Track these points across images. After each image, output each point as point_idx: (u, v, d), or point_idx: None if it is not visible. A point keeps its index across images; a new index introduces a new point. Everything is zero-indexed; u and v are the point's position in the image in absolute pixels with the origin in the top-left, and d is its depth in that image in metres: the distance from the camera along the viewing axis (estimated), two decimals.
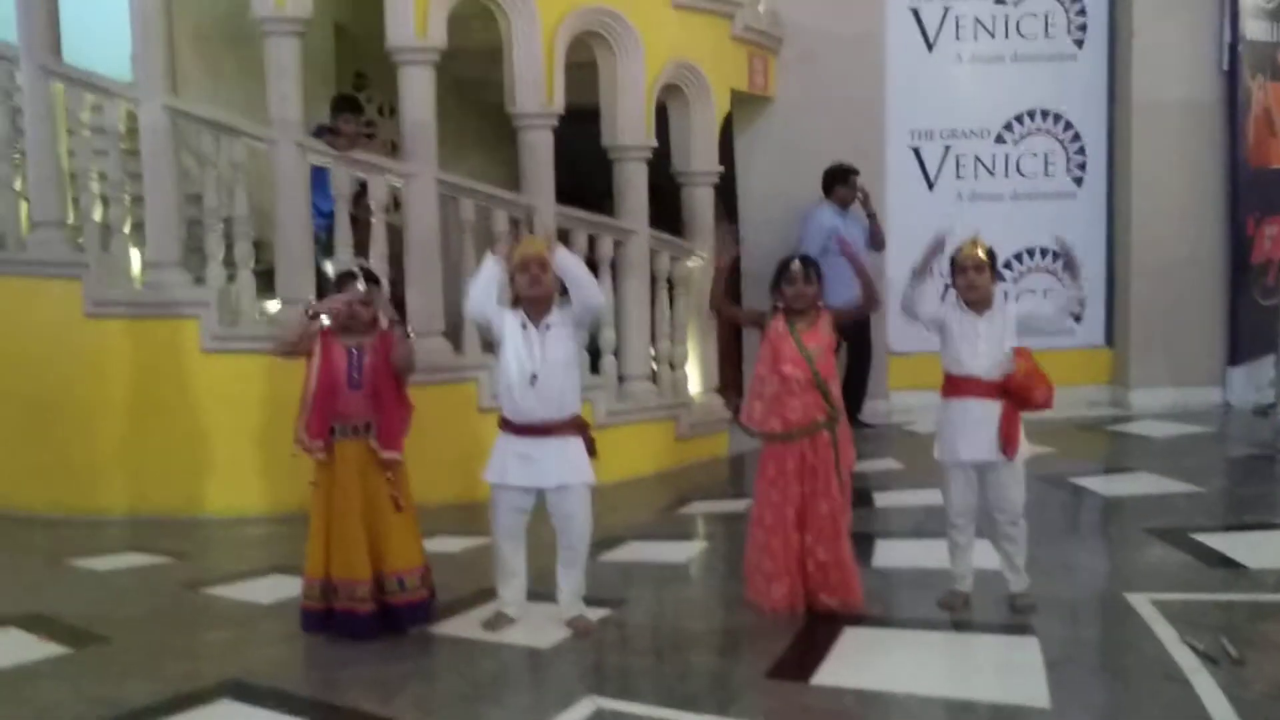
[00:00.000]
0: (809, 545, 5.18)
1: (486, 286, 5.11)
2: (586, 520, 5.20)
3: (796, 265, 5.25)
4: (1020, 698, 4.23)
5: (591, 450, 5.21)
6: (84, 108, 8.11)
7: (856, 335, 9.70)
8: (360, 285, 5.08)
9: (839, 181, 10.24)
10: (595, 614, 5.35)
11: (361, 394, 5.05)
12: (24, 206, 8.41)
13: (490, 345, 6.20)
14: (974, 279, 5.13)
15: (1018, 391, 5.05)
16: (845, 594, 5.19)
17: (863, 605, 5.20)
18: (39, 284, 8.12)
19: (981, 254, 5.14)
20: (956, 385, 5.19)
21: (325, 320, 5.08)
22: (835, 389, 5.26)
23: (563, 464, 5.10)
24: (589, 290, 5.14)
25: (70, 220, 8.37)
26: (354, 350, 5.05)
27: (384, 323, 5.14)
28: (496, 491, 5.16)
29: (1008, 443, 5.06)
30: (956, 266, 5.19)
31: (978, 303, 5.16)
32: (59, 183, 8.26)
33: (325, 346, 5.06)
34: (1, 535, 7.71)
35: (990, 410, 5.08)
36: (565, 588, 5.24)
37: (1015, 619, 5.06)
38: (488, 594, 5.43)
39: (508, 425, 5.14)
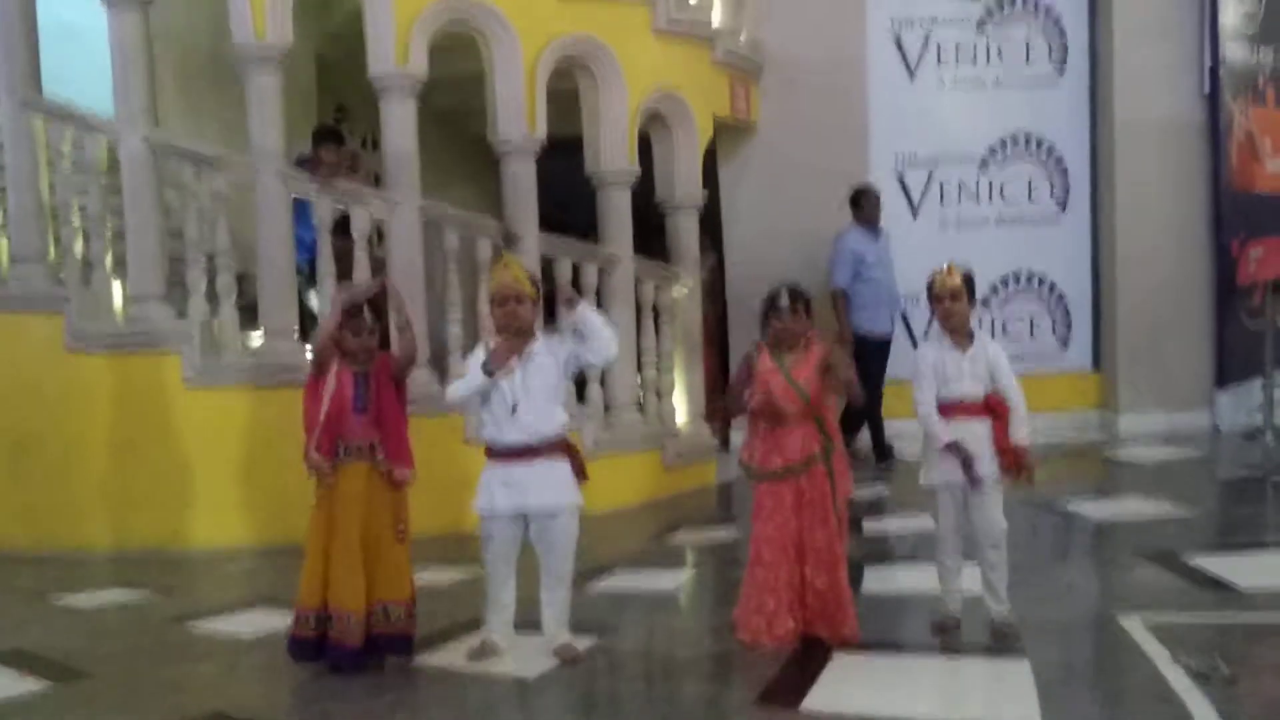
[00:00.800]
0: (808, 577, 5.11)
1: (469, 394, 5.12)
2: (571, 544, 5.13)
3: (784, 300, 5.12)
4: (1012, 719, 4.19)
5: (581, 473, 5.17)
6: (65, 141, 8.08)
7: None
8: (368, 316, 5.05)
9: (857, 202, 10.19)
10: (583, 642, 5.29)
11: (366, 418, 5.03)
12: (3, 242, 8.36)
13: None
14: (950, 307, 5.10)
15: (1000, 408, 5.08)
16: (841, 625, 5.08)
17: (859, 637, 5.07)
18: (20, 319, 8.08)
19: (957, 281, 5.10)
20: (946, 410, 5.14)
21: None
22: (831, 418, 5.20)
23: (548, 487, 5.04)
24: (607, 344, 5.10)
25: (51, 255, 8.33)
26: (359, 375, 5.04)
27: (397, 308, 5.18)
28: (486, 523, 5.10)
29: (1008, 461, 5.06)
30: (933, 295, 5.15)
31: (957, 332, 5.14)
32: (40, 217, 8.22)
33: (338, 379, 5.04)
34: None
35: (977, 430, 5.07)
36: (550, 615, 5.16)
37: (1003, 644, 5.01)
38: (473, 625, 5.36)
39: (492, 453, 5.09)
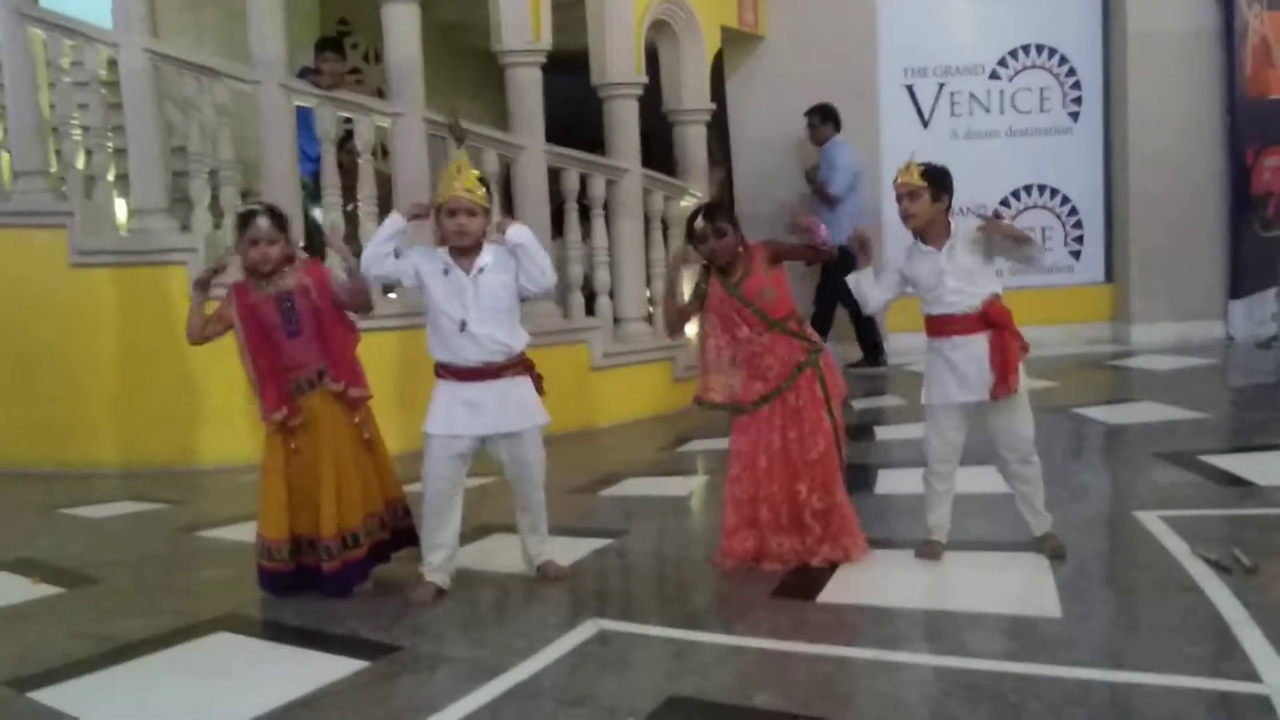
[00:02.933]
0: (802, 496, 4.80)
1: (381, 248, 4.73)
2: (541, 465, 4.86)
3: (700, 224, 4.77)
4: (1030, 609, 4.15)
5: (539, 389, 4.85)
6: (64, 54, 7.96)
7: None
8: (263, 221, 4.65)
9: (836, 117, 10.15)
10: (594, 545, 5.27)
11: (302, 340, 4.71)
12: (5, 157, 8.26)
13: None
14: (907, 207, 4.70)
15: (999, 317, 4.69)
16: (850, 546, 4.82)
17: (867, 552, 4.86)
18: (22, 234, 8.01)
19: (913, 178, 4.68)
20: (937, 325, 4.79)
21: (225, 281, 4.81)
22: (803, 321, 4.93)
23: (513, 407, 4.74)
24: (541, 271, 4.74)
25: (53, 170, 8.23)
26: (280, 295, 4.67)
27: (301, 256, 4.77)
28: (435, 441, 4.73)
29: (1003, 375, 4.66)
30: (896, 195, 4.77)
31: (926, 233, 4.74)
32: (40, 131, 8.12)
33: (244, 304, 4.70)
34: None
35: (980, 345, 4.70)
36: (532, 540, 4.94)
37: (1021, 539, 4.94)
38: (491, 528, 5.33)
39: (446, 371, 4.74)
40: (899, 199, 4.73)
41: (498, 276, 4.69)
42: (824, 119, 10.32)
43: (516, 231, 4.71)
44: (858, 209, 10.00)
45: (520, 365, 4.78)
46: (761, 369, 4.83)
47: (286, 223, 4.78)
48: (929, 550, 4.88)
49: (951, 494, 4.93)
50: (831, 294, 9.86)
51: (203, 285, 4.81)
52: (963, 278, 4.69)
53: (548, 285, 4.86)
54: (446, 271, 4.66)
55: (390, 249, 4.72)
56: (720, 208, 4.91)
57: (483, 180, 4.69)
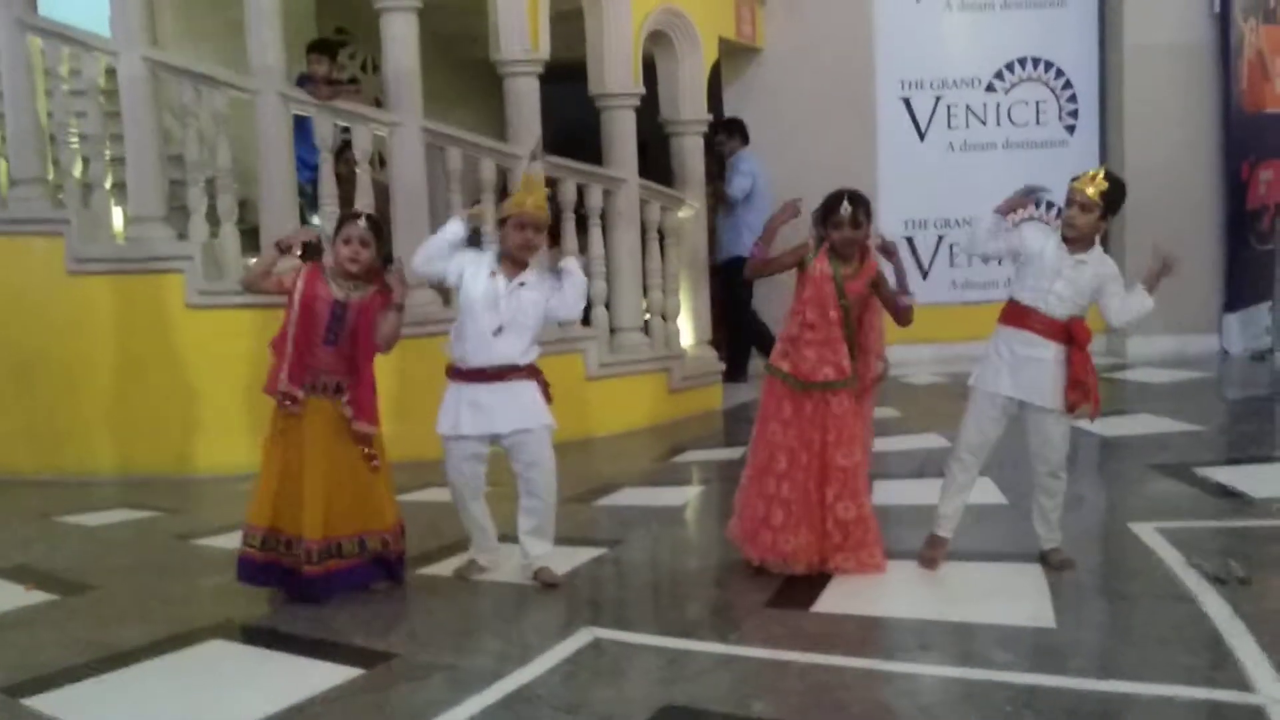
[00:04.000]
0: (828, 501, 4.76)
1: (442, 250, 4.90)
2: (551, 467, 4.93)
3: (846, 209, 4.72)
4: (1025, 619, 4.17)
5: (547, 395, 4.96)
6: (62, 62, 7.97)
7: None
8: (362, 223, 4.75)
9: (744, 131, 10.44)
10: (589, 554, 5.28)
11: (334, 351, 4.75)
12: (2, 164, 8.27)
13: None
14: (1075, 215, 4.62)
15: (1082, 335, 4.69)
16: (868, 558, 4.80)
17: (885, 568, 4.82)
18: (20, 242, 8.00)
19: (1091, 193, 4.59)
20: (1020, 314, 4.74)
21: (295, 257, 4.80)
22: (869, 342, 4.93)
23: (518, 408, 4.86)
24: (577, 299, 5.02)
25: (51, 177, 8.23)
26: (338, 303, 4.73)
27: (394, 287, 4.80)
28: (449, 444, 4.91)
29: (1078, 396, 4.67)
30: (1068, 196, 4.67)
31: (1076, 241, 4.68)
32: (38, 139, 8.13)
33: (310, 289, 4.73)
34: None
35: (1050, 351, 4.69)
36: (530, 539, 4.96)
37: (1017, 549, 4.94)
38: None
39: (458, 373, 4.89)
40: (1069, 203, 4.64)
41: (533, 294, 4.87)
42: (730, 134, 10.43)
43: (571, 261, 5.02)
44: (758, 221, 9.98)
45: (526, 370, 4.89)
46: (836, 356, 4.80)
47: (381, 233, 4.86)
48: (930, 551, 4.88)
49: (969, 488, 4.92)
50: (736, 304, 10.14)
51: (285, 248, 4.81)
52: (1073, 291, 4.68)
53: (576, 315, 5.22)
54: (493, 275, 4.84)
55: (448, 252, 4.89)
56: (865, 200, 4.81)
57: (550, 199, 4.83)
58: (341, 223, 4.87)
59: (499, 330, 4.80)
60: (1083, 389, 4.68)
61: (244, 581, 4.83)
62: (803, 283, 4.86)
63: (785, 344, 4.92)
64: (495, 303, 4.81)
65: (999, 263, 5.18)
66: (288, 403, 4.73)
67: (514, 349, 4.84)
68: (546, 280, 4.96)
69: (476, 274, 4.86)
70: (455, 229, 4.92)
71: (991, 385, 4.80)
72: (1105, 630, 4.13)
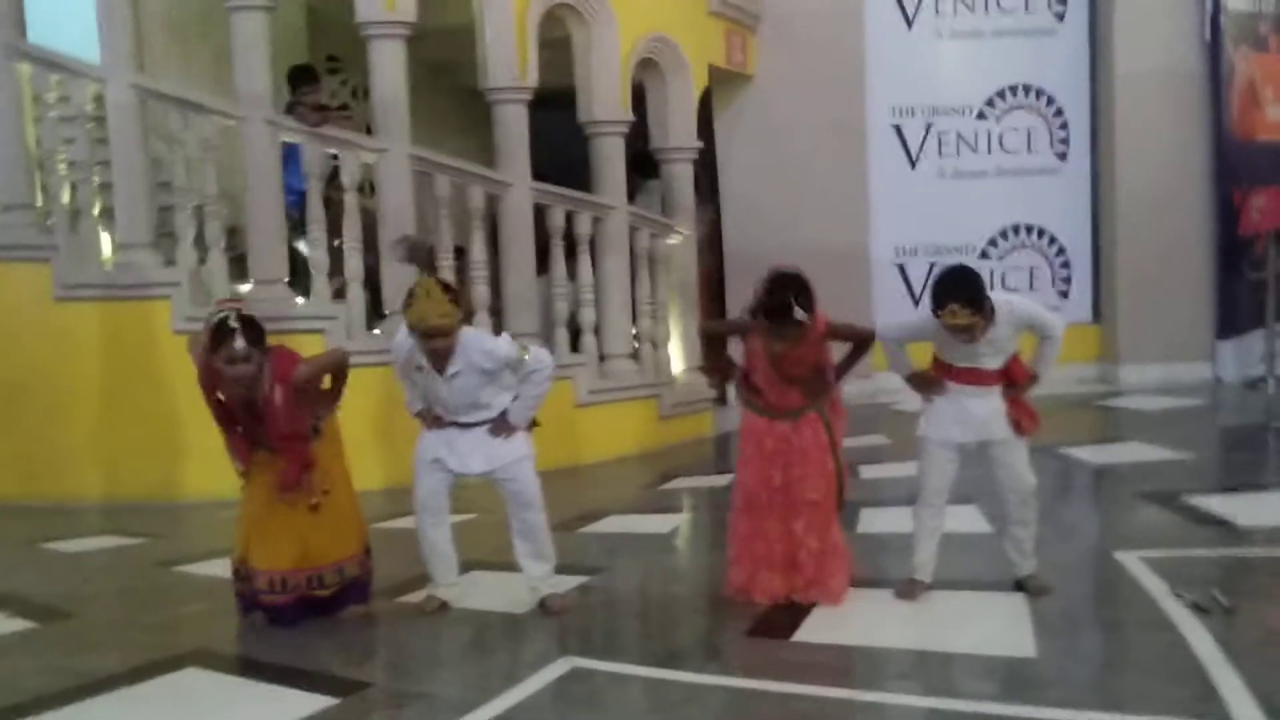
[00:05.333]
0: (799, 534, 4.75)
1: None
2: (536, 489, 4.90)
3: (784, 311, 4.47)
4: (1006, 649, 4.12)
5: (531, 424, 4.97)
6: (51, 88, 7.98)
7: None
8: (239, 343, 4.49)
9: None
10: (574, 581, 5.24)
11: (263, 428, 4.71)
12: None
13: None
14: (966, 339, 4.52)
15: (1021, 376, 4.71)
16: (836, 588, 4.76)
17: (842, 599, 4.76)
18: (7, 268, 8.01)
19: (962, 322, 4.43)
20: (954, 373, 4.72)
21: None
22: (821, 375, 4.78)
23: (495, 447, 4.84)
24: (522, 416, 4.89)
25: (39, 204, 8.22)
26: (243, 400, 4.66)
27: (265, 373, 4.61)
28: (422, 466, 4.90)
29: (1021, 420, 4.71)
30: (945, 329, 4.53)
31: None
32: (26, 165, 8.13)
33: (210, 375, 4.67)
34: None
35: (992, 394, 4.71)
36: (529, 563, 4.95)
37: (1000, 578, 4.91)
38: (470, 565, 5.29)
39: (436, 420, 4.91)
40: (954, 333, 4.50)
41: (469, 379, 4.74)
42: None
43: (539, 358, 4.90)
44: None
45: (506, 425, 4.86)
46: (767, 396, 4.80)
47: (260, 331, 4.62)
48: (909, 590, 4.83)
49: (939, 532, 4.88)
50: None
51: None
52: (997, 349, 4.67)
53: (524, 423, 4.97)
54: (420, 369, 4.75)
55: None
56: (805, 288, 4.52)
57: (448, 289, 4.65)
58: (216, 335, 4.52)
59: (455, 411, 4.81)
60: (1030, 413, 4.74)
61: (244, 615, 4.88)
62: (745, 352, 4.86)
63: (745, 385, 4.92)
64: (436, 389, 4.78)
65: None
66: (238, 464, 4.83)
67: (479, 414, 4.83)
68: (475, 362, 4.73)
69: (412, 362, 4.77)
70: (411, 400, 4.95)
71: (943, 434, 4.79)
72: (1087, 660, 4.09)
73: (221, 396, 4.76)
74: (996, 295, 4.59)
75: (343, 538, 4.88)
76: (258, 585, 4.75)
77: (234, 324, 4.51)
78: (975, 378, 4.71)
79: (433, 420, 4.90)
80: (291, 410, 4.68)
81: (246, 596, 4.85)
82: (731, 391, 5.20)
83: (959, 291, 4.43)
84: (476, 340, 4.76)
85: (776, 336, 4.59)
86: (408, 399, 4.97)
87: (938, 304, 4.46)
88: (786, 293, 4.48)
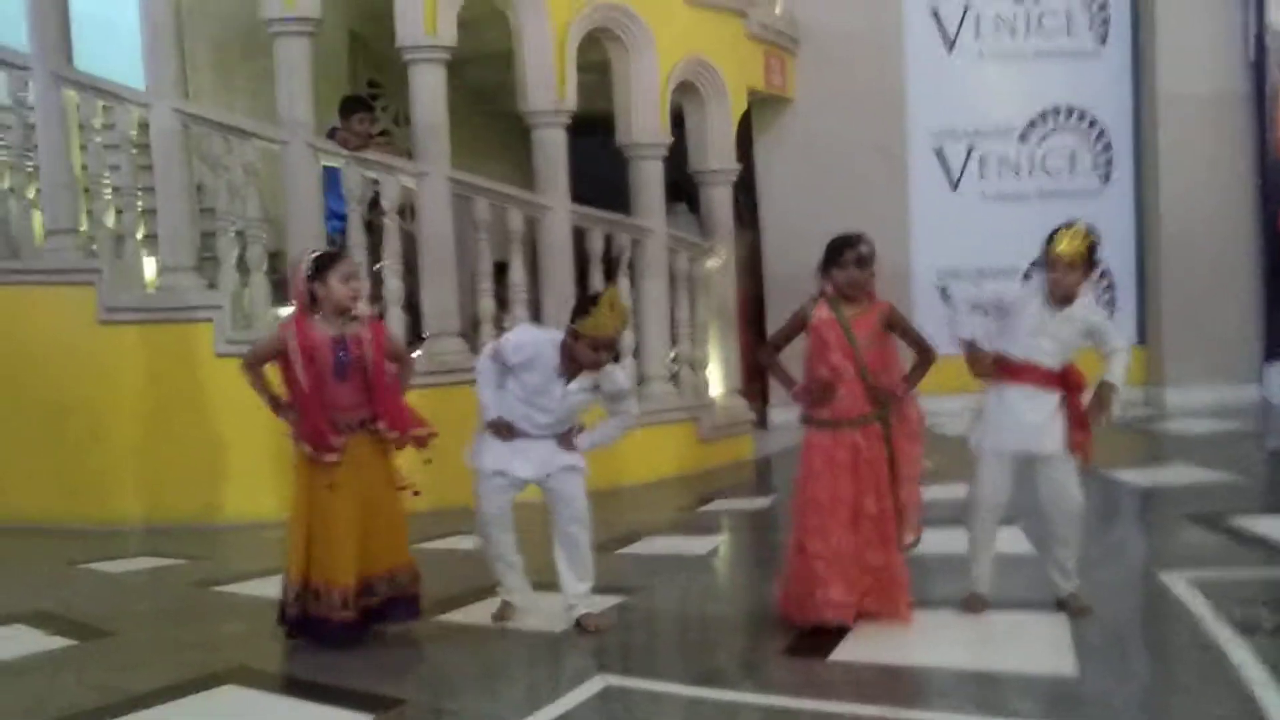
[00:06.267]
0: (865, 548, 4.67)
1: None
2: (584, 501, 4.95)
3: (850, 252, 4.63)
4: (1047, 668, 4.08)
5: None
6: (96, 114, 8.07)
7: None
8: (356, 260, 4.78)
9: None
10: (611, 601, 5.22)
11: (349, 387, 4.73)
12: (37, 215, 8.36)
13: None
14: (1062, 278, 4.56)
15: (1076, 380, 4.68)
16: (893, 603, 4.70)
17: (910, 619, 4.69)
18: (52, 291, 8.06)
19: (1081, 250, 4.51)
20: (1013, 370, 4.70)
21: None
22: (889, 379, 4.68)
23: (554, 452, 4.90)
24: (605, 441, 5.08)
25: (83, 228, 8.31)
26: (337, 339, 4.69)
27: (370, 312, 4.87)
28: (485, 478, 4.94)
29: (1081, 434, 4.66)
30: (1049, 260, 4.58)
31: (1062, 300, 4.65)
32: (72, 190, 8.21)
33: (305, 338, 4.66)
34: (15, 544, 7.60)
35: (1047, 399, 4.68)
36: (569, 579, 4.94)
37: (1040, 597, 4.85)
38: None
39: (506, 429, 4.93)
40: (1051, 267, 4.57)
41: (585, 394, 4.87)
42: None
43: (627, 405, 5.07)
44: None
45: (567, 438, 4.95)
46: (856, 397, 4.66)
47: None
48: (973, 604, 4.82)
49: (993, 545, 4.87)
50: None
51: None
52: (1059, 345, 4.67)
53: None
54: (554, 373, 4.79)
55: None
56: (869, 241, 4.70)
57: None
58: (329, 262, 4.75)
59: (548, 424, 4.86)
60: (1086, 429, 4.67)
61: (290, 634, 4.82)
62: (809, 335, 4.76)
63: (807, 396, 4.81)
64: (552, 401, 4.83)
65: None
66: (328, 454, 4.69)
67: (557, 428, 4.90)
68: (603, 384, 4.89)
69: (541, 367, 4.80)
70: (488, 410, 4.94)
71: (996, 443, 4.77)
72: (1130, 680, 4.02)
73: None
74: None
75: (396, 545, 4.88)
76: (331, 602, 4.67)
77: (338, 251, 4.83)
78: (1030, 375, 4.68)
79: (505, 430, 4.89)
80: (380, 368, 4.79)
81: (313, 618, 4.73)
82: (771, 414, 5.14)
83: (1083, 227, 4.57)
84: (612, 369, 4.92)
85: (844, 293, 4.65)
86: (487, 402, 4.92)
87: (1053, 234, 4.56)
88: (851, 237, 4.66)
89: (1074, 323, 4.65)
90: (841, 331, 4.65)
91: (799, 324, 4.80)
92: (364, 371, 4.75)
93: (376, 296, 8.08)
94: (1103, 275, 11.23)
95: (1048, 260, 4.58)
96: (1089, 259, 4.57)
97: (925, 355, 4.75)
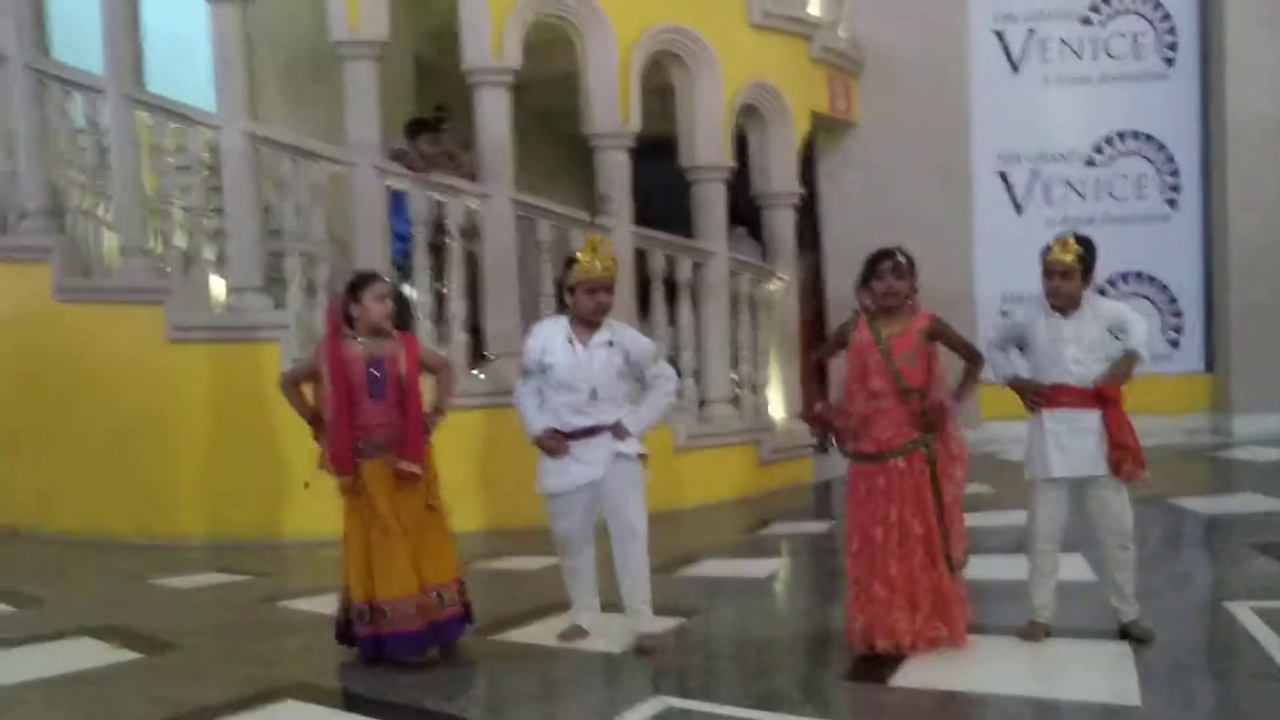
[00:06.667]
0: (916, 572, 4.61)
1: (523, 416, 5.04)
2: (641, 498, 4.94)
3: (887, 261, 4.64)
4: (1109, 697, 4.03)
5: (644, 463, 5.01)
6: (167, 136, 8.21)
7: None
8: (387, 280, 4.86)
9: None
10: (671, 623, 5.22)
11: (384, 407, 4.79)
12: (109, 236, 8.51)
13: None
14: (1059, 285, 4.68)
15: (1113, 396, 4.65)
16: (951, 625, 4.61)
17: (966, 643, 4.63)
18: (122, 310, 8.22)
19: (1069, 259, 4.64)
20: (1047, 395, 4.72)
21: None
22: (935, 394, 4.64)
23: (613, 448, 4.89)
24: (645, 421, 5.02)
25: (154, 248, 8.44)
26: (372, 359, 4.76)
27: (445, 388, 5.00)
28: (555, 501, 4.97)
29: (1120, 457, 4.60)
30: (1044, 269, 4.73)
31: (1064, 309, 4.73)
32: (143, 210, 8.35)
33: (337, 358, 4.76)
34: (83, 559, 7.75)
35: (1089, 420, 4.66)
36: (630, 599, 4.95)
37: (1102, 626, 4.79)
38: (562, 607, 5.30)
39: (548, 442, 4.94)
40: (1048, 274, 4.68)
41: (610, 354, 4.91)
42: None
43: (664, 375, 5.16)
44: None
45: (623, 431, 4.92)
46: (874, 430, 4.66)
47: (395, 290, 4.95)
48: (1032, 631, 4.77)
49: (1055, 574, 4.82)
50: None
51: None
52: (1085, 349, 4.68)
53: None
54: (570, 342, 4.88)
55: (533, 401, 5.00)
56: (907, 252, 4.73)
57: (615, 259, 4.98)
58: (364, 282, 4.84)
59: (593, 395, 4.86)
60: (1123, 448, 4.62)
61: (368, 662, 4.79)
62: (848, 355, 4.77)
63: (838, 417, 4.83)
64: (580, 370, 4.86)
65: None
66: (344, 476, 4.80)
67: (612, 405, 4.90)
68: (621, 333, 5.00)
69: (558, 347, 4.89)
70: (531, 426, 4.99)
71: (1044, 472, 4.76)
72: (1194, 710, 3.97)
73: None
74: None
75: (443, 564, 4.88)
76: (404, 612, 4.70)
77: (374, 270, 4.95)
78: (1065, 396, 4.68)
79: (553, 440, 4.90)
80: (415, 384, 4.85)
81: (384, 635, 4.74)
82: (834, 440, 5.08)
83: (1077, 236, 4.72)
84: (625, 326, 5.07)
85: (883, 305, 4.65)
86: (530, 419, 4.97)
87: (1048, 247, 4.70)
88: (887, 249, 4.69)
89: (1095, 319, 4.70)
90: (880, 355, 4.63)
91: (840, 341, 4.85)
92: (399, 389, 4.81)
93: (440, 317, 8.16)
94: (1170, 301, 11.12)
95: (1044, 268, 4.71)
96: (1085, 265, 4.68)
97: (973, 361, 4.77)
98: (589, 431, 4.88)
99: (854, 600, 4.68)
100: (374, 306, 4.77)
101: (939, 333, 4.70)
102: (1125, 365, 4.69)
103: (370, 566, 4.78)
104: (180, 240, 8.28)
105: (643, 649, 4.85)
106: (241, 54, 8.11)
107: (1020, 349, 4.89)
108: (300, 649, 5.23)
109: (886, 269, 4.64)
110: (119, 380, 8.21)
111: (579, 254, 4.91)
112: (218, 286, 8.35)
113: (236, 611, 6.17)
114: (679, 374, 8.71)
